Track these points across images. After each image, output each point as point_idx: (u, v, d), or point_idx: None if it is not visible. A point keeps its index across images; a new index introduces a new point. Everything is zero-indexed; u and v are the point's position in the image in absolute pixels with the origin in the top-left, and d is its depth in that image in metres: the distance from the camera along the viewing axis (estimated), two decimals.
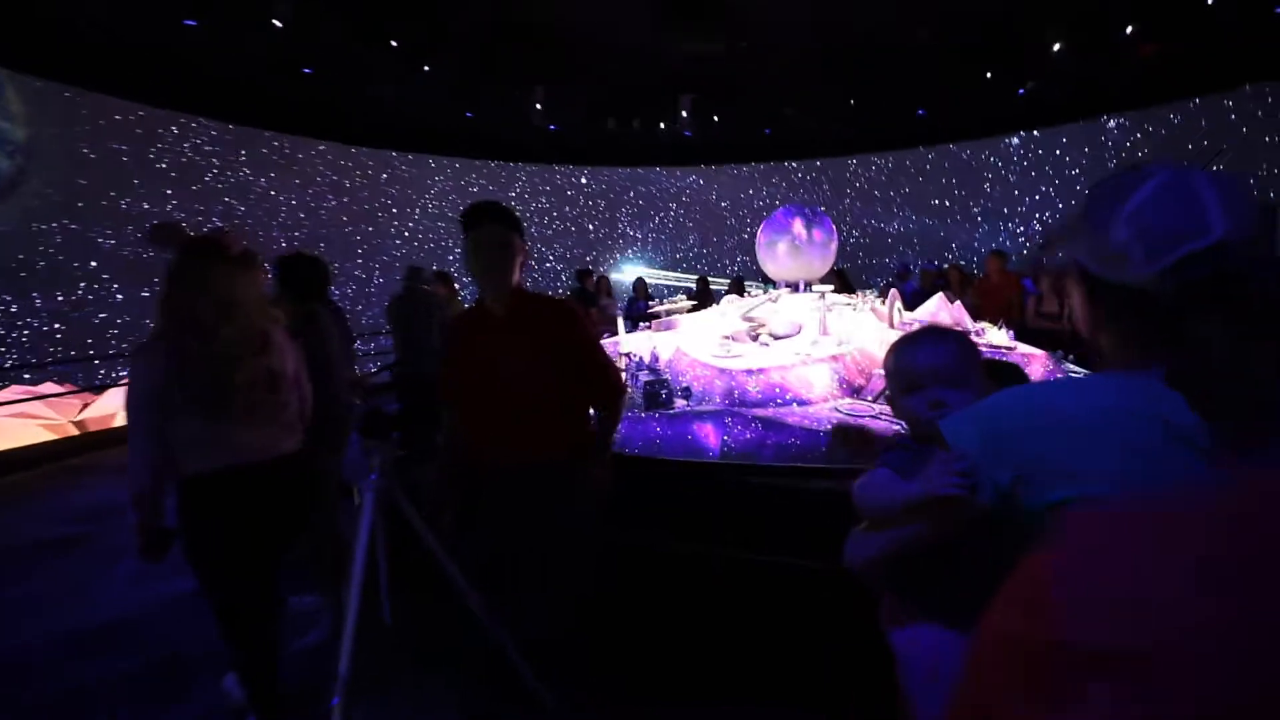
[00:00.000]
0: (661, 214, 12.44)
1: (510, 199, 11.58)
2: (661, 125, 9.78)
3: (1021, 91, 8.66)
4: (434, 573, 1.79)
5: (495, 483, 1.88)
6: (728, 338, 3.93)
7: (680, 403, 3.48)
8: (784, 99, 9.17)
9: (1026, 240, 9.86)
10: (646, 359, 3.82)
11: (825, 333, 3.68)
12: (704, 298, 7.61)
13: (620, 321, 4.43)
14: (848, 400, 3.28)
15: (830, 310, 3.91)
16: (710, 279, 8.92)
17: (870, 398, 3.26)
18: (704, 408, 3.41)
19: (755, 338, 3.93)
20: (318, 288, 2.83)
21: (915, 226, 11.05)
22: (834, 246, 4.51)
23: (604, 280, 8.24)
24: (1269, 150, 7.51)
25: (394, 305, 4.95)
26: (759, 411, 3.25)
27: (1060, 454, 0.69)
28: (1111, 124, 8.92)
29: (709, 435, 3.15)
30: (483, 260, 1.86)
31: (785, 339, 3.85)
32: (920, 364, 1.01)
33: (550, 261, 11.98)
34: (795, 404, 3.35)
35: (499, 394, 1.85)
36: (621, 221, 12.41)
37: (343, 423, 2.68)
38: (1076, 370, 3.70)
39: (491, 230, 1.87)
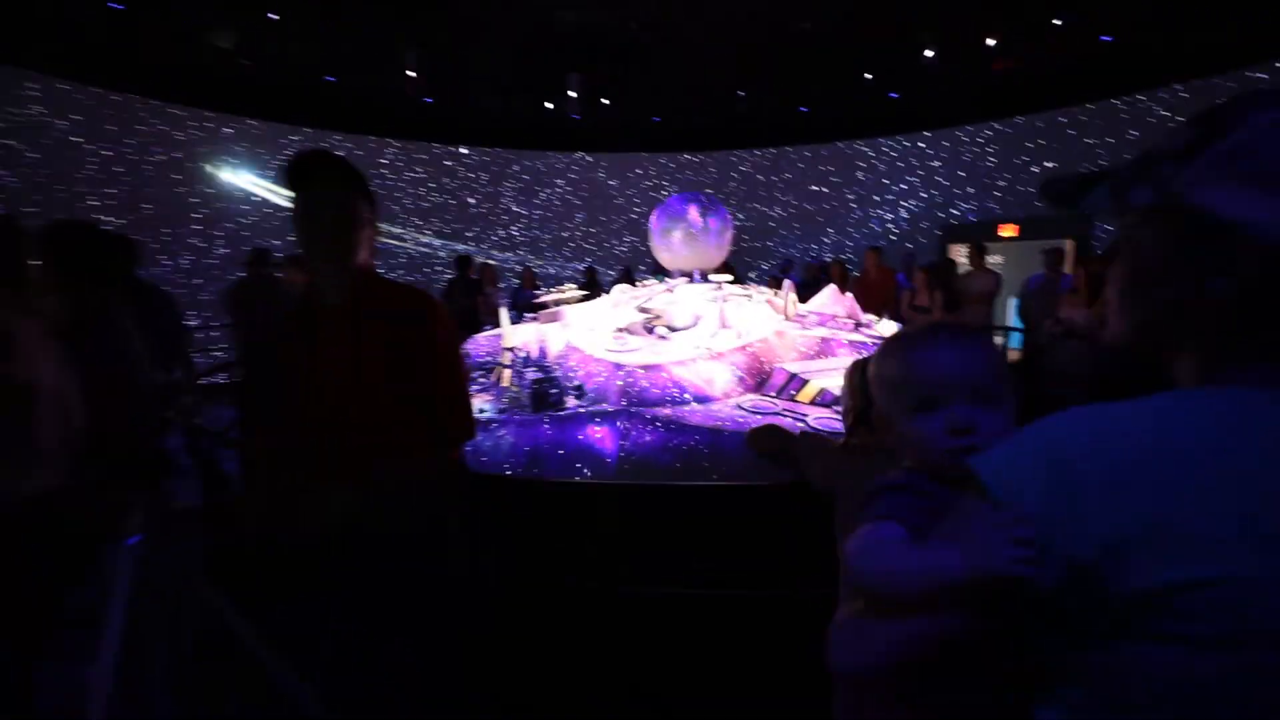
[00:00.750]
0: (548, 190, 11.91)
1: (379, 166, 10.51)
2: (548, 105, 9.26)
3: (894, 96, 9.20)
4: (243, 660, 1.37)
5: (312, 544, 1.39)
6: (622, 330, 3.69)
7: (572, 402, 3.21)
8: (677, 87, 9.04)
9: (895, 227, 10.60)
10: (534, 354, 3.49)
11: (725, 325, 3.55)
12: (593, 287, 7.28)
13: (504, 312, 4.04)
14: (751, 396, 3.17)
15: (727, 302, 3.79)
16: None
17: (773, 393, 3.17)
18: (599, 408, 3.15)
19: (651, 330, 3.73)
20: (111, 269, 2.21)
21: (795, 212, 11.47)
22: (730, 235, 4.41)
23: (489, 268, 7.53)
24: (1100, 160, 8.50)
25: (233, 293, 4.15)
26: (659, 411, 3.05)
27: (1176, 515, 0.46)
28: (967, 124, 9.72)
29: (605, 439, 2.90)
30: (315, 229, 1.38)
31: (683, 331, 3.68)
32: (940, 372, 0.72)
33: (425, 242, 11.07)
34: (695, 401, 3.19)
35: (323, 416, 1.38)
36: (505, 197, 11.73)
37: (142, 446, 2.11)
38: None
39: (328, 190, 1.40)
